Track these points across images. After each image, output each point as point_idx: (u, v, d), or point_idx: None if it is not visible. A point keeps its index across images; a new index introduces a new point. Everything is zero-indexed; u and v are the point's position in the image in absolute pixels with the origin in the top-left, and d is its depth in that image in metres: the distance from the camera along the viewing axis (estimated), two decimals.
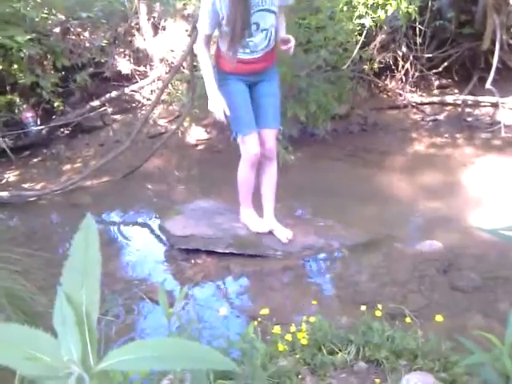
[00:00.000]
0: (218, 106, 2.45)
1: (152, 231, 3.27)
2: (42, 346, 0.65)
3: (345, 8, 3.95)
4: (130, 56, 5.45)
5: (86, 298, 0.70)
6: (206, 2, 2.32)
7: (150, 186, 4.02)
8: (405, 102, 5.09)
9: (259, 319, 1.88)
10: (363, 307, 1.96)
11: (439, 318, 1.83)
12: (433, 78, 5.32)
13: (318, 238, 2.85)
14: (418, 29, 4.83)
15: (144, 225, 3.44)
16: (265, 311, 1.86)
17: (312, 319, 1.86)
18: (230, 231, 2.88)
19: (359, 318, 1.92)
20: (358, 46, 4.24)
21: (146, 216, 3.57)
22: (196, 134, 4.90)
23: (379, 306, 1.92)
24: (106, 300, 2.37)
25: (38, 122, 4.82)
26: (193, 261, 2.79)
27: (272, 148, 2.66)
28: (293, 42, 2.45)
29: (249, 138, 2.54)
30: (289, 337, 1.73)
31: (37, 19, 4.91)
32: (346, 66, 4.20)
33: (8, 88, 4.84)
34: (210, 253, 2.82)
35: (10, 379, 0.96)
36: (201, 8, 2.39)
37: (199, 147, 4.79)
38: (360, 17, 3.98)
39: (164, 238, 3.06)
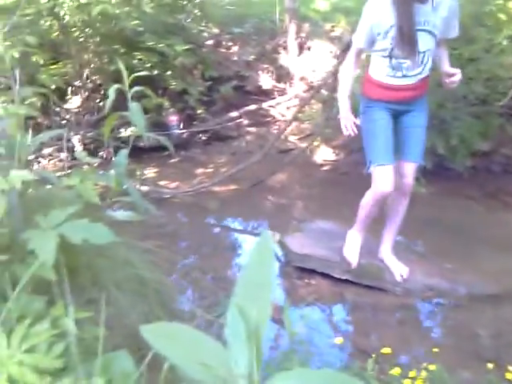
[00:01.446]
0: (347, 121, 2.40)
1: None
2: (211, 353, 0.67)
3: (505, 42, 3.67)
4: (272, 72, 5.66)
5: (258, 313, 0.70)
6: (367, 12, 2.25)
7: (272, 199, 4.11)
8: None
9: (374, 356, 1.80)
10: (489, 365, 1.78)
11: None
12: None
13: (442, 280, 2.67)
14: None
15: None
16: (386, 350, 1.78)
17: (432, 367, 1.73)
18: None
19: (483, 376, 1.75)
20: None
21: (266, 228, 3.64)
22: (324, 154, 4.91)
23: (509, 368, 1.74)
24: (221, 304, 2.45)
25: (181, 126, 5.21)
26: (307, 280, 2.78)
27: (410, 183, 2.51)
28: (459, 76, 2.29)
29: (382, 170, 2.38)
30: (408, 382, 1.63)
31: (194, 31, 5.33)
32: (500, 103, 3.90)
33: (159, 92, 5.31)
34: (325, 276, 2.78)
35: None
36: (361, 19, 2.31)
37: (325, 167, 4.78)
38: None
39: (281, 253, 3.10)
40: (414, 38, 2.19)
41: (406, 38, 2.19)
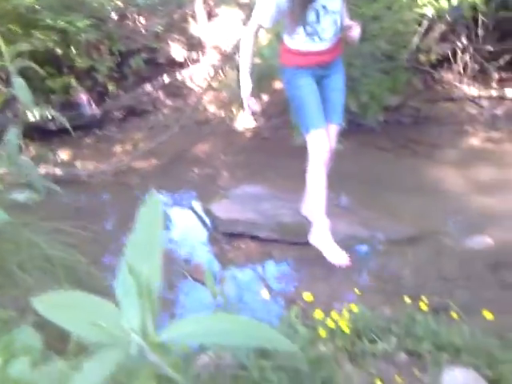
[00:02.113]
0: (250, 101, 2.46)
1: (197, 213, 3.31)
2: (104, 314, 0.66)
3: None
4: (183, 42, 5.52)
5: (149, 270, 0.70)
6: None
7: (196, 170, 4.07)
8: (461, 94, 4.89)
9: (300, 304, 1.88)
10: (407, 299, 1.91)
11: (487, 314, 1.76)
12: (492, 71, 5.09)
13: (362, 228, 2.81)
14: (480, 20, 4.62)
15: (189, 207, 3.49)
16: (307, 296, 1.85)
17: (354, 308, 1.83)
18: (274, 217, 2.88)
19: (402, 310, 1.88)
20: (416, 37, 4.11)
21: (192, 198, 3.63)
22: (244, 122, 4.92)
23: (423, 299, 1.87)
24: None
25: (92, 105, 4.98)
26: (236, 244, 2.81)
27: (333, 146, 2.56)
28: (358, 30, 2.36)
29: (320, 133, 2.42)
30: (330, 323, 1.72)
31: (95, 5, 5.06)
32: (402, 57, 4.07)
33: (65, 71, 5.02)
34: (253, 238, 2.83)
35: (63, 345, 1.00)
36: None
37: (246, 134, 4.80)
38: (421, 6, 3.85)
39: (208, 220, 3.10)
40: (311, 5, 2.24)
41: (302, 8, 2.24)
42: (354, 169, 3.63)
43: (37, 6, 4.68)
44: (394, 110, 4.60)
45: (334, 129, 2.55)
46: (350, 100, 4.03)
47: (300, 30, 2.33)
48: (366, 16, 4.00)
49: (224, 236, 2.90)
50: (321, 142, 2.42)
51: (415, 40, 4.10)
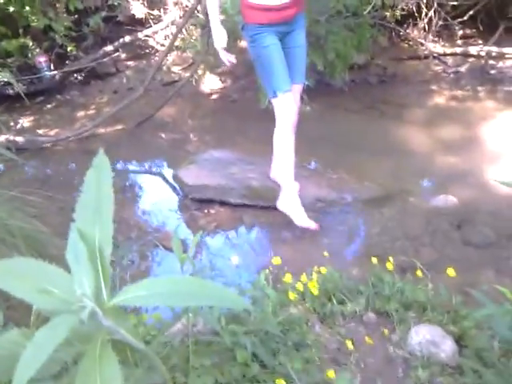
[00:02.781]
0: (221, 42, 2.34)
1: (165, 180, 3.28)
2: (55, 281, 0.65)
3: None
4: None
5: (100, 233, 0.70)
6: None
7: (163, 135, 4.00)
8: (426, 52, 4.90)
9: (270, 268, 1.91)
10: (374, 260, 1.96)
11: (451, 271, 1.83)
12: (457, 28, 5.10)
13: (330, 190, 2.84)
14: None
15: (157, 174, 3.45)
16: (276, 261, 1.88)
17: (323, 270, 1.87)
18: (243, 182, 2.87)
19: (370, 270, 1.93)
20: None
21: (160, 165, 3.58)
22: (210, 83, 4.82)
23: (390, 259, 1.93)
24: (121, 246, 2.41)
25: (52, 67, 4.77)
26: (206, 210, 2.81)
27: (298, 104, 2.52)
28: None
29: (287, 96, 2.34)
30: (300, 286, 1.76)
31: None
32: (366, 12, 4.01)
33: (20, 31, 4.76)
34: (223, 203, 2.83)
35: (27, 315, 0.99)
36: None
37: (213, 96, 4.71)
38: None
39: (177, 187, 3.07)
40: None
41: None
42: (321, 131, 3.64)
43: None
44: (360, 69, 4.59)
45: (297, 88, 2.49)
46: (317, 58, 3.99)
47: None
48: None
49: (194, 202, 2.89)
50: (288, 105, 2.36)
51: None
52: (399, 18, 4.73)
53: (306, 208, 2.68)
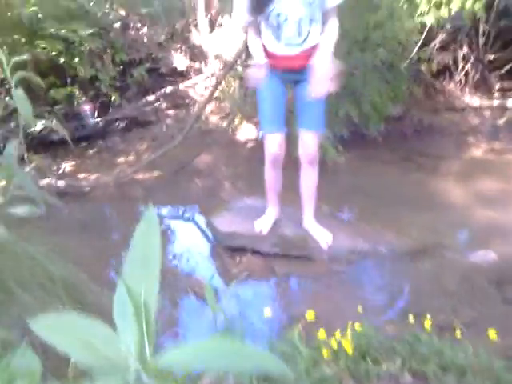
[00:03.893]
0: (256, 74, 2.38)
1: (199, 227, 3.31)
2: (100, 337, 0.66)
3: (405, 5, 3.81)
4: (185, 52, 5.54)
5: (146, 290, 0.70)
6: None
7: (198, 182, 4.08)
8: (463, 104, 4.90)
9: (303, 322, 1.87)
10: (411, 317, 1.90)
11: (492, 333, 1.75)
12: (494, 81, 5.09)
13: (364, 242, 2.80)
14: (481, 28, 4.63)
15: (191, 220, 3.49)
16: (310, 315, 1.84)
17: (358, 326, 1.82)
18: (276, 230, 2.87)
19: (406, 328, 1.87)
20: (418, 46, 4.11)
21: (194, 211, 3.63)
22: (246, 132, 4.93)
23: (428, 317, 1.86)
24: None
25: (96, 115, 5.00)
26: (238, 258, 2.80)
27: (312, 153, 2.53)
28: (325, 73, 2.18)
29: (269, 136, 2.47)
30: (333, 343, 1.71)
31: (98, 14, 5.08)
32: (403, 66, 4.07)
33: (68, 81, 5.04)
34: (255, 252, 2.82)
35: (63, 368, 1.00)
36: None
37: (248, 145, 4.80)
38: (422, 15, 3.84)
39: (210, 234, 3.10)
40: (267, 7, 2.20)
41: (262, 10, 2.22)
42: (356, 181, 3.63)
43: (40, 16, 4.71)
44: (395, 120, 4.61)
45: (307, 135, 2.50)
46: (352, 110, 4.05)
47: (268, 29, 2.30)
48: (368, 27, 4.01)
49: (226, 250, 2.90)
50: (270, 146, 2.49)
51: (416, 49, 4.10)
52: (435, 70, 4.77)
53: (340, 259, 2.65)
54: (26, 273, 1.43)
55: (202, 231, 3.22)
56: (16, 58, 1.76)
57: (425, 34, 4.08)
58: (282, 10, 2.21)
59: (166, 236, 3.26)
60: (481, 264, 2.56)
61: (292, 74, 2.40)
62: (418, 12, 3.81)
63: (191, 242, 3.13)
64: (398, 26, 3.97)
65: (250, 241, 2.86)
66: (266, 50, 2.38)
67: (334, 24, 2.29)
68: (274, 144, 2.49)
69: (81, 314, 0.68)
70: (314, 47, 2.31)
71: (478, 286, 2.38)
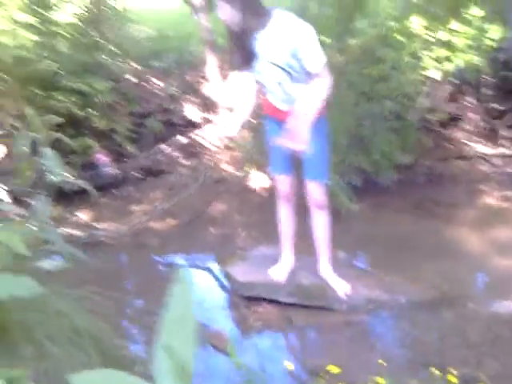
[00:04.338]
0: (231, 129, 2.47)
1: (214, 276, 3.30)
2: None
3: (407, 59, 3.95)
4: (197, 103, 5.71)
5: (184, 349, 0.72)
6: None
7: (213, 230, 4.09)
8: (472, 152, 4.96)
9: (325, 376, 1.84)
10: (433, 370, 1.87)
11: None
12: (501, 129, 5.17)
13: (382, 291, 2.78)
14: (484, 80, 4.76)
15: (207, 269, 3.49)
16: (332, 368, 1.82)
17: (380, 380, 1.79)
18: (292, 280, 2.86)
19: (429, 382, 1.84)
20: (423, 97, 4.22)
21: (209, 260, 3.62)
22: (258, 180, 4.98)
23: (452, 370, 1.83)
24: None
25: (110, 165, 5.10)
26: (254, 309, 2.79)
27: (318, 199, 2.60)
28: (297, 126, 2.07)
29: (277, 177, 2.70)
30: None
31: (113, 68, 5.29)
32: (411, 116, 4.17)
33: (85, 131, 5.17)
34: (271, 301, 2.81)
35: None
36: None
37: (261, 193, 4.85)
38: (425, 69, 3.98)
39: (226, 283, 3.09)
40: (248, 68, 2.32)
41: (242, 67, 2.34)
42: (370, 230, 3.65)
43: (58, 70, 4.90)
44: (407, 169, 4.66)
45: (311, 184, 2.57)
46: (362, 158, 4.11)
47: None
48: (372, 78, 4.14)
49: (242, 299, 2.88)
50: (279, 185, 2.71)
51: (422, 101, 4.21)
52: (443, 120, 4.87)
53: (358, 309, 2.63)
54: (54, 326, 1.44)
55: (218, 280, 3.21)
56: (46, 118, 1.84)
57: (430, 86, 4.20)
58: (263, 72, 2.32)
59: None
60: (503, 314, 2.52)
61: None
62: (422, 66, 3.94)
63: (207, 291, 3.12)
64: (403, 78, 4.10)
65: (266, 290, 2.85)
66: (267, 102, 2.51)
67: (319, 82, 2.20)
68: (282, 184, 2.69)
69: (121, 373, 0.69)
70: None
71: (503, 337, 2.34)
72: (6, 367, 1.02)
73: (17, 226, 1.63)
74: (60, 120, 2.14)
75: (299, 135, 2.05)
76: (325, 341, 2.47)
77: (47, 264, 1.75)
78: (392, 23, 3.76)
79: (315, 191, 2.58)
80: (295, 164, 2.65)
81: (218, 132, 2.56)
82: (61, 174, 1.74)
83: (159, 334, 0.75)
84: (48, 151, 1.69)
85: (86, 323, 1.59)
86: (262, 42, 2.23)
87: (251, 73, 2.39)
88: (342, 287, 2.71)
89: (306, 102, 2.14)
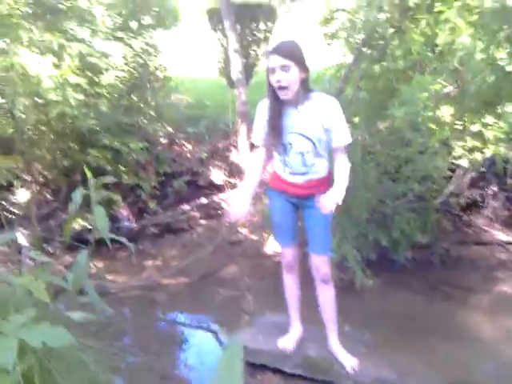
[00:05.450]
0: (233, 210, 2.43)
1: (220, 340, 3.26)
2: None
3: (437, 145, 4.03)
4: (224, 169, 5.91)
5: None
6: (259, 112, 2.45)
7: (223, 292, 4.09)
8: (490, 238, 4.93)
9: None
10: None
11: None
12: None
13: (391, 372, 2.68)
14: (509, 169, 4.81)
15: (213, 331, 3.45)
16: None
17: None
18: (299, 350, 2.80)
19: None
20: (451, 184, 4.29)
21: (216, 322, 3.59)
22: (273, 246, 5.01)
23: None
24: None
25: (131, 220, 5.23)
26: (259, 377, 2.72)
27: (323, 272, 2.58)
28: (330, 201, 2.20)
29: (283, 249, 2.72)
30: None
31: (149, 130, 5.57)
32: (436, 201, 4.21)
33: (111, 185, 5.36)
34: (276, 370, 2.74)
35: None
36: (255, 118, 2.49)
37: (275, 259, 4.85)
38: (455, 157, 4.06)
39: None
40: (278, 139, 2.37)
41: (273, 138, 2.39)
42: (382, 307, 3.59)
43: (96, 128, 5.17)
44: (424, 248, 4.64)
45: (316, 258, 2.56)
46: (382, 235, 4.13)
47: (278, 156, 2.46)
48: (399, 159, 4.25)
49: (247, 366, 2.82)
50: (284, 255, 2.73)
51: (450, 187, 4.27)
52: (464, 205, 4.90)
53: None
54: (77, 377, 1.46)
55: (223, 344, 3.17)
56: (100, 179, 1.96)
57: (458, 173, 4.27)
58: (290, 142, 2.39)
59: (187, 345, 3.22)
60: None
61: (298, 199, 2.53)
62: (453, 154, 4.02)
63: (212, 355, 3.07)
64: (429, 162, 4.17)
65: (272, 359, 2.79)
66: (276, 175, 2.55)
67: (343, 164, 2.35)
68: (287, 255, 2.70)
69: None
70: (318, 180, 2.46)
71: None
72: None
73: (40, 272, 1.70)
74: (114, 180, 2.28)
75: (334, 203, 2.21)
76: None
77: (77, 315, 1.79)
78: (424, 112, 3.88)
79: (320, 265, 2.57)
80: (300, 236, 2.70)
81: (228, 216, 2.57)
82: (107, 231, 1.84)
83: None
84: (99, 209, 1.80)
85: (104, 378, 1.60)
86: (297, 115, 2.35)
87: (269, 147, 2.47)
88: (350, 362, 2.64)
89: (342, 181, 2.29)
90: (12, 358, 1.05)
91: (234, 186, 5.83)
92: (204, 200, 5.61)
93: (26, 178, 5.30)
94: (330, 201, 2.20)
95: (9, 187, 5.22)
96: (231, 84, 6.77)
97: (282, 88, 2.26)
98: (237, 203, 2.41)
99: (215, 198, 5.67)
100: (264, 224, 4.87)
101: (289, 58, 2.22)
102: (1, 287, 1.58)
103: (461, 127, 4.16)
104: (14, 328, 1.16)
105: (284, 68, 2.22)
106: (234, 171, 5.90)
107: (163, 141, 5.94)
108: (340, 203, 2.22)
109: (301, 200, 2.52)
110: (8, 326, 1.15)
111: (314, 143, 2.36)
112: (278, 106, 2.34)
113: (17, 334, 1.14)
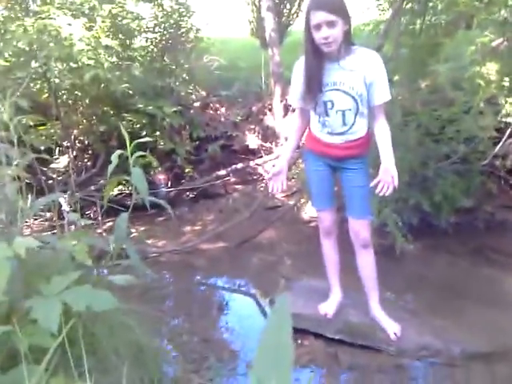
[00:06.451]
0: (276, 182, 2.39)
1: (260, 304, 3.28)
2: None
3: (482, 104, 3.83)
4: (258, 132, 5.82)
5: (279, 379, 0.69)
6: (295, 72, 2.36)
7: (261, 257, 4.09)
8: None
9: None
10: None
11: None
12: None
13: (435, 339, 2.64)
14: None
15: (253, 296, 3.47)
16: None
17: None
18: (341, 316, 2.78)
19: None
20: (494, 143, 4.09)
21: (256, 287, 3.61)
22: (310, 211, 4.96)
23: None
24: (212, 368, 2.39)
25: (168, 185, 5.26)
26: (299, 341, 2.72)
27: (363, 237, 2.54)
28: (388, 179, 2.20)
29: (320, 213, 2.67)
30: None
31: (183, 94, 5.50)
32: (481, 163, 4.03)
33: (147, 151, 5.37)
34: (317, 335, 2.74)
35: None
36: (291, 79, 2.41)
37: (312, 224, 4.81)
38: (506, 115, 3.85)
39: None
40: (319, 97, 2.27)
41: (313, 96, 2.28)
42: (423, 271, 3.52)
43: (130, 91, 5.15)
44: (467, 213, 4.49)
45: (355, 222, 2.52)
46: (423, 199, 4.01)
47: (316, 117, 2.39)
48: (442, 119, 4.07)
49: None
50: (321, 221, 2.68)
51: (496, 148, 4.06)
52: (510, 167, 4.67)
53: (408, 354, 2.52)
54: (119, 340, 1.47)
55: (263, 308, 3.18)
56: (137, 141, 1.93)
57: (506, 132, 4.06)
58: (331, 99, 2.29)
59: (227, 309, 3.25)
60: None
61: (336, 161, 2.47)
62: (503, 112, 3.82)
63: (252, 319, 3.09)
64: (474, 122, 3.98)
65: (313, 324, 2.78)
66: (313, 136, 2.48)
67: (386, 129, 2.32)
68: (324, 219, 2.66)
69: None
70: (356, 140, 2.38)
71: None
72: (69, 379, 1.05)
73: (81, 235, 1.70)
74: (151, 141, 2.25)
75: (393, 177, 2.20)
76: (371, 382, 2.37)
77: (120, 279, 1.80)
78: (468, 68, 3.66)
79: (359, 230, 2.53)
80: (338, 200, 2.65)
81: (269, 189, 2.49)
82: (146, 193, 1.82)
83: (254, 362, 0.72)
84: (137, 170, 1.77)
85: (147, 341, 1.62)
86: (339, 70, 2.25)
87: (307, 105, 2.40)
88: (392, 328, 2.61)
89: (387, 143, 2.28)
90: (56, 320, 1.04)
91: (268, 151, 5.75)
92: (239, 165, 5.57)
93: (64, 144, 5.37)
94: (388, 179, 2.19)
95: (49, 153, 5.30)
96: (264, 44, 6.59)
97: (327, 43, 2.16)
98: (277, 175, 2.38)
99: (251, 163, 5.62)
100: (301, 188, 4.81)
101: (335, 12, 2.10)
102: (44, 251, 1.59)
103: (508, 84, 3.93)
104: (58, 291, 1.15)
105: (330, 24, 2.11)
106: (269, 135, 5.81)
107: (196, 104, 5.87)
108: (397, 182, 2.19)
109: (338, 162, 2.46)
110: (51, 288, 1.14)
111: (356, 100, 2.27)
112: (319, 62, 2.24)
113: (60, 296, 1.12)
